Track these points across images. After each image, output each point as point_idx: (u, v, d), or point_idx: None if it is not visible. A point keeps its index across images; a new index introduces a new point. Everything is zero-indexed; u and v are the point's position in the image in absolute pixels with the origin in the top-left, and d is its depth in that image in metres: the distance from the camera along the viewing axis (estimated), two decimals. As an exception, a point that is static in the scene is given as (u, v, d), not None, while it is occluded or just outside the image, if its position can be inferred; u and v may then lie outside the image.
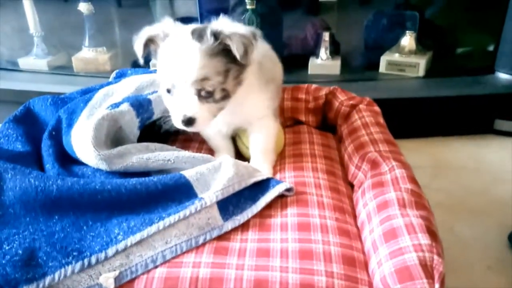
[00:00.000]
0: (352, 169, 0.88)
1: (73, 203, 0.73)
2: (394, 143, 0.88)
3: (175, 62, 0.76)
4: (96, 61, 1.58)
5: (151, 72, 1.23)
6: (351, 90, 1.26)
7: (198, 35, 0.76)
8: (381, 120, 0.99)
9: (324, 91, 1.09)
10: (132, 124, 0.87)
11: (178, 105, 0.78)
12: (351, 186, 0.88)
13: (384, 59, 1.45)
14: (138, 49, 0.81)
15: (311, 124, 1.10)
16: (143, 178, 0.76)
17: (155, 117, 0.92)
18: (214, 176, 0.79)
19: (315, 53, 1.50)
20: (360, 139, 0.91)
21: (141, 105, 0.89)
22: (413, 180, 0.75)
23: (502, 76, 1.40)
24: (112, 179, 0.76)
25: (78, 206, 0.73)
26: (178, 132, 1.07)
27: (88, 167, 0.84)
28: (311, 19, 1.52)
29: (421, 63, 1.41)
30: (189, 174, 0.78)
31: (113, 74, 1.32)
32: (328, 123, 1.12)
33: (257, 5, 1.40)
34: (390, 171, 0.77)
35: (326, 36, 1.47)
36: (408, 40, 1.45)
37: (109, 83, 1.17)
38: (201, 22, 1.47)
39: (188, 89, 0.76)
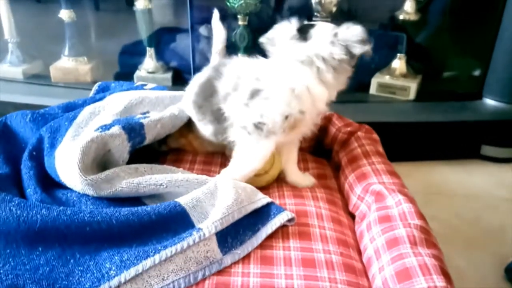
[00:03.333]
0: (353, 199, 0.86)
1: (59, 234, 0.67)
2: (397, 174, 0.87)
3: None
4: (76, 71, 1.51)
5: (136, 88, 1.19)
6: (342, 112, 1.25)
7: None
8: (381, 149, 0.98)
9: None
10: (122, 148, 0.82)
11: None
12: (352, 216, 0.87)
13: (375, 81, 1.45)
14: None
15: (304, 149, 1.08)
16: (135, 208, 0.71)
17: (146, 142, 0.87)
18: (211, 202, 0.76)
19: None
20: (362, 169, 0.89)
21: (133, 128, 0.84)
22: (421, 215, 0.73)
23: (489, 102, 1.43)
24: (101, 209, 0.71)
25: (65, 237, 0.67)
26: (167, 152, 1.03)
27: (73, 192, 0.78)
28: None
29: (412, 86, 1.42)
30: (184, 201, 0.74)
31: (95, 87, 1.27)
32: (322, 148, 1.10)
33: (249, 21, 1.38)
34: (396, 205, 0.76)
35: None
36: (398, 63, 1.46)
37: (93, 99, 1.12)
38: (192, 34, 1.46)
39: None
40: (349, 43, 0.79)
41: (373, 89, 1.47)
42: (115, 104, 0.97)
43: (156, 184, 0.77)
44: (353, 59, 0.81)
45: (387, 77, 1.46)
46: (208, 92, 0.87)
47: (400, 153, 1.36)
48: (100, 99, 1.10)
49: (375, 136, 1.03)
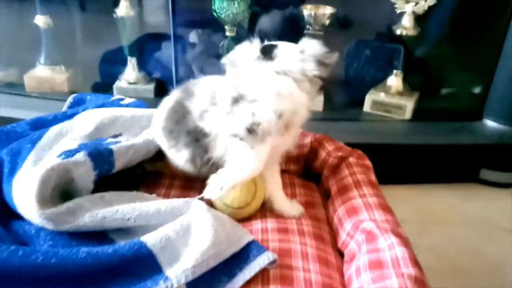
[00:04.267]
0: (343, 235, 0.80)
1: (10, 278, 0.61)
2: (390, 210, 0.82)
3: None
4: (52, 80, 1.44)
5: (112, 103, 1.12)
6: (334, 131, 1.20)
7: None
8: (373, 178, 0.92)
9: (309, 138, 1.02)
10: (86, 177, 0.75)
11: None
12: (340, 253, 0.80)
13: (369, 98, 1.40)
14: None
15: (291, 172, 1.03)
16: (95, 250, 0.64)
17: (116, 169, 0.81)
18: (184, 241, 0.69)
19: (297, 87, 1.43)
20: (352, 202, 0.83)
21: (100, 155, 0.77)
22: (415, 262, 0.67)
23: (490, 124, 1.38)
24: (58, 250, 0.64)
25: (16, 281, 0.61)
26: (142, 175, 0.97)
27: (32, 225, 0.72)
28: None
29: (408, 105, 1.37)
30: (152, 241, 0.67)
31: (70, 100, 1.21)
32: (311, 171, 1.04)
33: (238, 32, 1.32)
34: (389, 248, 0.70)
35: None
36: (395, 80, 1.40)
37: (64, 114, 1.06)
38: (175, 41, 1.40)
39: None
40: (320, 57, 0.80)
41: (367, 107, 1.41)
42: (85, 124, 0.91)
43: (123, 219, 0.71)
44: (326, 70, 0.81)
45: (382, 94, 1.41)
46: (179, 115, 0.82)
47: (395, 175, 1.32)
48: (72, 115, 1.04)
49: (368, 162, 0.97)
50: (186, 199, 0.74)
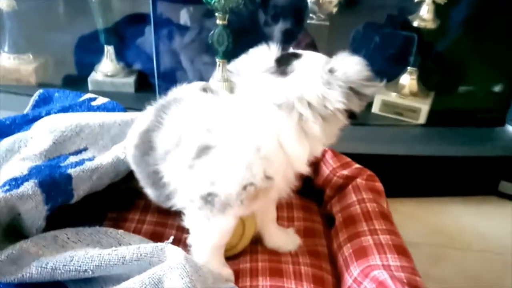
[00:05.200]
0: (348, 280, 0.69)
1: None
2: (406, 252, 0.70)
3: None
4: (17, 71, 1.30)
5: (81, 104, 0.98)
6: (339, 137, 1.08)
7: None
8: (385, 206, 0.81)
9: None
10: (35, 213, 0.63)
11: None
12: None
13: (379, 98, 1.27)
14: None
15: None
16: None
17: (74, 200, 0.68)
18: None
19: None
20: (362, 240, 0.72)
21: (55, 185, 0.65)
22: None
23: (513, 130, 1.26)
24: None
25: None
26: (114, 196, 0.85)
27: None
28: (295, 41, 1.31)
29: (423, 108, 1.24)
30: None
31: (35, 97, 1.08)
32: (312, 187, 0.93)
33: (230, 21, 1.17)
34: (407, 308, 0.58)
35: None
36: (408, 79, 1.27)
37: (24, 118, 0.93)
38: (156, 27, 1.25)
39: None
40: (355, 83, 0.59)
41: (376, 108, 1.28)
42: (42, 137, 0.78)
43: (78, 270, 0.59)
44: (359, 104, 0.60)
45: (394, 94, 1.27)
46: (146, 147, 0.68)
47: (406, 188, 1.20)
48: (34, 119, 0.91)
49: (379, 185, 0.86)
50: (158, 244, 0.62)
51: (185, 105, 0.68)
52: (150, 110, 0.71)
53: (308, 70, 0.60)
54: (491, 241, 1.09)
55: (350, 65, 0.60)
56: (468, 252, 1.05)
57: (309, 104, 0.59)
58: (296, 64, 0.61)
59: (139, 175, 0.71)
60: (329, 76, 0.59)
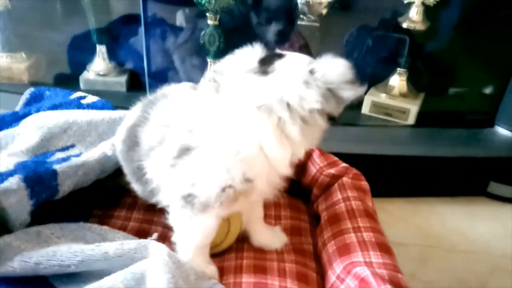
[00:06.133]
0: (331, 277, 0.69)
1: None
2: (389, 249, 0.70)
3: None
4: (10, 70, 1.30)
5: (71, 102, 0.99)
6: (327, 137, 1.07)
7: None
8: (370, 205, 0.81)
9: (297, 151, 0.90)
10: (20, 207, 0.63)
11: None
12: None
13: (368, 99, 1.28)
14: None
15: (278, 187, 0.91)
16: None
17: (59, 196, 0.68)
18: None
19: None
20: (345, 237, 0.72)
21: (39, 180, 0.65)
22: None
23: (502, 132, 1.27)
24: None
25: None
26: (100, 192, 0.85)
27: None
28: (286, 40, 1.31)
29: (412, 109, 1.24)
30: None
31: (26, 95, 1.08)
32: (299, 186, 0.93)
33: (221, 21, 1.18)
34: (387, 304, 0.59)
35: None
36: (398, 80, 1.28)
37: (14, 115, 0.93)
38: (146, 27, 1.26)
39: None
40: (334, 84, 0.59)
41: (365, 109, 1.29)
42: (30, 133, 0.78)
43: (61, 265, 0.59)
44: (336, 107, 0.60)
45: (383, 95, 1.28)
46: (132, 142, 0.68)
47: (394, 188, 1.21)
48: (24, 115, 0.91)
49: (364, 184, 0.86)
50: (141, 240, 0.63)
51: (170, 102, 0.68)
52: (138, 106, 0.72)
53: (289, 70, 0.60)
54: (479, 242, 1.09)
55: (332, 67, 0.59)
56: (456, 253, 1.06)
57: (288, 106, 0.59)
58: (277, 64, 0.61)
59: (125, 169, 0.72)
60: (308, 77, 0.59)
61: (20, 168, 0.67)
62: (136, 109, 0.71)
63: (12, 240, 0.60)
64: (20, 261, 0.58)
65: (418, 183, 1.22)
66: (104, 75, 1.32)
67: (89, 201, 0.80)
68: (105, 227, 0.70)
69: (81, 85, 1.30)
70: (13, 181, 0.63)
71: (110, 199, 0.84)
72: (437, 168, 1.18)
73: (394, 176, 1.18)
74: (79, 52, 1.35)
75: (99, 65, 1.32)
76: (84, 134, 0.82)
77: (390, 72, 1.31)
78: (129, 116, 0.73)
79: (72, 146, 0.79)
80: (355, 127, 1.26)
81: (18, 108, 1.05)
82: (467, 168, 1.21)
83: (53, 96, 1.07)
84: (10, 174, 0.64)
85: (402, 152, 1.15)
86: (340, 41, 1.32)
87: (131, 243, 0.61)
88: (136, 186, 0.71)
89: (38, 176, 0.65)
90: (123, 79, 1.33)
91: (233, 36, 1.23)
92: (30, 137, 0.77)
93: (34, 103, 1.07)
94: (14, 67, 1.30)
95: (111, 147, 0.76)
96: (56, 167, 0.68)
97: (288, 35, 1.27)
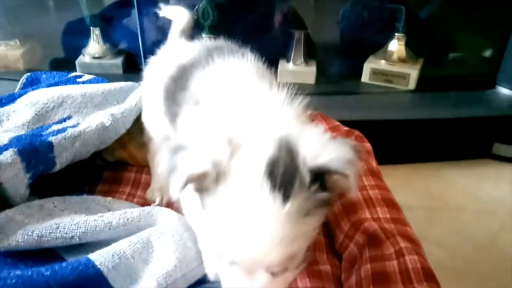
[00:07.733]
0: (340, 236, 0.68)
1: None
2: (396, 205, 0.69)
3: (243, 231, 0.44)
4: (5, 57, 1.28)
5: (68, 81, 0.97)
6: (329, 106, 1.07)
7: (281, 185, 0.43)
8: (374, 164, 0.80)
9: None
10: (17, 181, 0.62)
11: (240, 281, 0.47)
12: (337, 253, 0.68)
13: (368, 67, 1.25)
14: (174, 190, 0.44)
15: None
16: (29, 273, 0.52)
17: (56, 168, 0.67)
18: (143, 256, 0.57)
19: (286, 56, 1.27)
20: (351, 197, 0.70)
21: (35, 152, 0.64)
22: (429, 274, 0.55)
23: (504, 92, 1.24)
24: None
25: None
26: (103, 167, 0.84)
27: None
28: (282, 13, 1.29)
29: (412, 74, 1.22)
30: (101, 259, 0.55)
31: (22, 80, 1.06)
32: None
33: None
34: (397, 256, 0.58)
35: (299, 35, 1.24)
36: (396, 45, 1.25)
37: (10, 97, 0.91)
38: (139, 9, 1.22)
39: (261, 271, 0.47)
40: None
41: (365, 77, 1.26)
42: (25, 109, 0.77)
43: (65, 237, 0.58)
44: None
45: (383, 62, 1.26)
46: (182, 84, 0.61)
47: (398, 154, 1.19)
48: (20, 96, 0.90)
49: (367, 145, 0.84)
50: (145, 208, 0.61)
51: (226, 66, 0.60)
52: (195, 47, 0.68)
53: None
54: (485, 202, 1.08)
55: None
56: (464, 212, 1.04)
57: None
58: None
59: (165, 110, 0.67)
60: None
61: (14, 142, 0.65)
62: (193, 49, 0.67)
63: (14, 214, 0.59)
64: (23, 235, 0.57)
65: (422, 148, 1.20)
66: (99, 57, 1.29)
67: (91, 179, 0.79)
68: (109, 199, 0.69)
69: (78, 69, 1.27)
70: (8, 155, 0.61)
71: (112, 177, 0.83)
72: (441, 131, 1.16)
73: (398, 142, 1.16)
74: (74, 36, 1.32)
75: (94, 48, 1.29)
76: (79, 106, 0.80)
77: (388, 39, 1.28)
78: (182, 53, 0.68)
79: (69, 117, 0.77)
80: (355, 95, 1.23)
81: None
82: (471, 130, 1.19)
83: (50, 79, 1.05)
84: (4, 148, 0.63)
85: (405, 117, 1.13)
86: (336, 8, 1.29)
87: (134, 212, 0.60)
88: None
89: (33, 148, 0.64)
90: (119, 61, 1.30)
91: (227, 10, 1.21)
92: (25, 113, 0.75)
93: (31, 87, 1.05)
94: (9, 55, 1.28)
95: (109, 117, 0.75)
96: (52, 138, 0.67)
97: (281, 7, 1.24)
